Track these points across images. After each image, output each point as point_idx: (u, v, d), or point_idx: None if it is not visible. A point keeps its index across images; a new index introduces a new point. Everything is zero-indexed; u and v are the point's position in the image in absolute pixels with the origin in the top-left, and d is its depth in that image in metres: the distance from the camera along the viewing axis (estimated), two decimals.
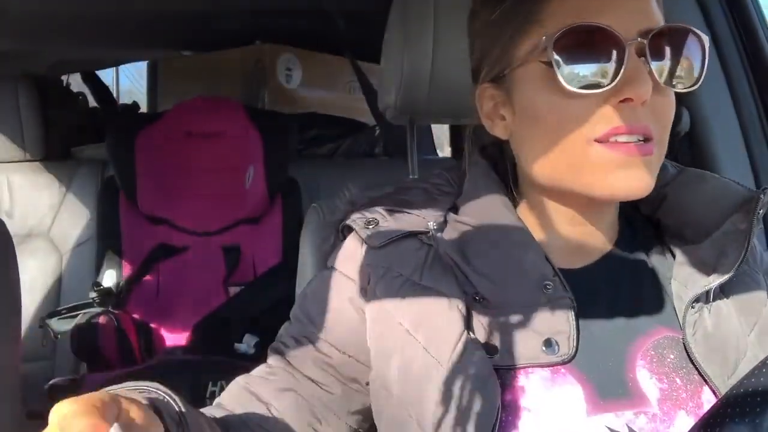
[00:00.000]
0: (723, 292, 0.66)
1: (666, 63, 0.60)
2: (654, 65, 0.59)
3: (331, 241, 0.74)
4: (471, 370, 0.59)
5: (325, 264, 0.73)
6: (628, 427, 0.59)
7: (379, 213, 0.69)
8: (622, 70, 0.58)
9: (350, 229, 0.70)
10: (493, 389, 0.58)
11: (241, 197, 1.95)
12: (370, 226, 0.68)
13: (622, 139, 0.58)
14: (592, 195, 0.61)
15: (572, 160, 0.61)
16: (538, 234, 0.67)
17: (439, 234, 0.67)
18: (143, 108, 2.77)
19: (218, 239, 1.94)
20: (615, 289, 0.67)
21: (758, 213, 0.65)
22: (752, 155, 1.15)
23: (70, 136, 2.32)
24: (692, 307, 0.64)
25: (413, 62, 0.92)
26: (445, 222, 0.68)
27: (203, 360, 1.55)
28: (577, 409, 0.60)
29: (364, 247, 0.68)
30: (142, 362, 1.68)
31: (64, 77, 2.63)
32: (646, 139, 0.59)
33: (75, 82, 2.73)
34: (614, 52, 0.58)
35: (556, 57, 0.58)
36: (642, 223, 0.72)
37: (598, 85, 0.58)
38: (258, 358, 0.72)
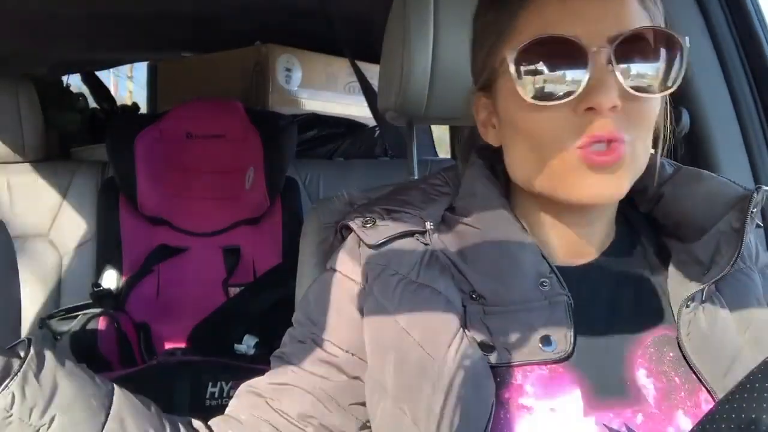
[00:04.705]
0: (718, 290, 0.66)
1: (636, 68, 0.59)
2: (622, 71, 0.58)
3: (330, 241, 0.74)
4: (466, 368, 0.59)
5: (325, 264, 0.73)
6: (626, 426, 0.59)
7: (376, 212, 0.69)
8: (584, 79, 0.58)
9: (349, 229, 0.70)
10: (487, 387, 0.59)
11: (241, 198, 1.95)
12: (368, 225, 0.68)
13: (595, 148, 0.58)
14: (561, 199, 0.62)
15: (546, 168, 0.61)
16: (534, 234, 0.67)
17: (436, 233, 0.67)
18: (143, 109, 2.78)
19: (218, 240, 1.94)
20: (613, 288, 0.67)
21: (752, 211, 0.65)
22: (752, 155, 1.15)
23: (70, 137, 2.32)
24: (687, 306, 0.64)
25: (413, 63, 0.92)
26: (443, 222, 0.69)
27: (203, 361, 1.55)
28: (575, 407, 0.60)
29: (362, 246, 0.68)
30: (142, 363, 1.67)
31: (63, 78, 2.63)
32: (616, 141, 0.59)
33: (75, 82, 2.73)
34: (577, 62, 0.58)
35: (518, 69, 0.59)
36: (640, 222, 0.72)
37: (562, 96, 0.58)
38: (258, 358, 0.72)
